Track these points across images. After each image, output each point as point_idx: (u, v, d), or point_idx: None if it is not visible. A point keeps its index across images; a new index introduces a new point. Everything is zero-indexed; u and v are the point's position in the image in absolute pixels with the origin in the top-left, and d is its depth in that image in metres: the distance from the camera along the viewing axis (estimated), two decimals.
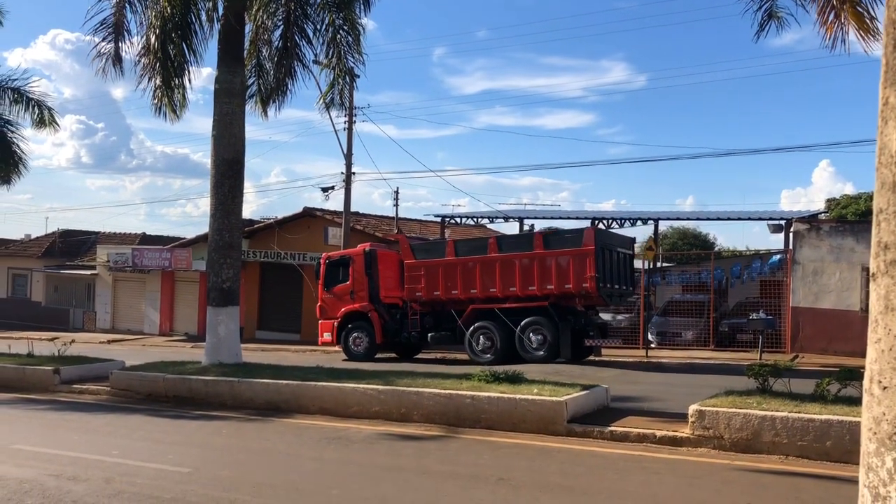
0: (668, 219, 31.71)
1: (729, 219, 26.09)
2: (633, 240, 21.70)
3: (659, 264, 26.34)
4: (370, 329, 20.78)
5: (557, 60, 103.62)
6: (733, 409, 8.24)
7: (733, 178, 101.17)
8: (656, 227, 26.08)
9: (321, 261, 22.32)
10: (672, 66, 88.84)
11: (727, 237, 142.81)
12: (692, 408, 8.47)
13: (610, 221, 25.43)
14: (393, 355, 21.43)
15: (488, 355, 18.69)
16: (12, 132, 20.42)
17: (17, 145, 20.57)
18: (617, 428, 9.00)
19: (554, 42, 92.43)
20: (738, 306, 23.19)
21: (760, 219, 24.70)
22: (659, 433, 8.67)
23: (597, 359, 19.38)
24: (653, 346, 21.82)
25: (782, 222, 22.54)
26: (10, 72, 20.69)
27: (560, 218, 28.43)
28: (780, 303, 21.30)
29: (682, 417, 8.81)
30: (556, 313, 18.37)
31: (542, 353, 18.26)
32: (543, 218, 30.39)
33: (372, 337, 20.75)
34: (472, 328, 19.13)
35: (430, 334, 20.30)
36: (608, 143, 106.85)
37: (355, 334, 20.97)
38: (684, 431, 8.51)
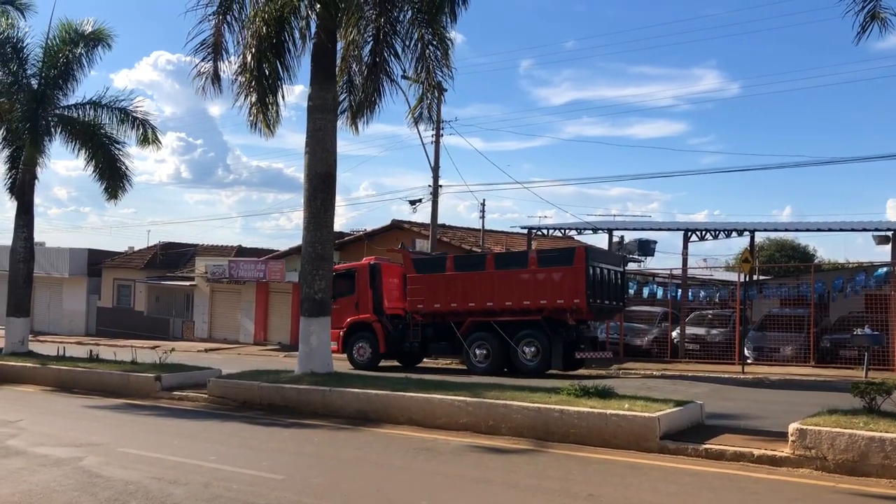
0: (765, 230, 30.62)
1: (830, 230, 24.99)
2: (624, 258, 22.36)
3: (755, 277, 25.45)
4: (374, 339, 21.56)
5: (647, 69, 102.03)
6: (838, 429, 7.87)
7: (834, 187, 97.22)
8: (752, 238, 25.23)
9: None
10: (766, 73, 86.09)
11: (828, 249, 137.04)
12: (793, 426, 8.13)
13: (703, 233, 24.75)
14: (396, 364, 21.82)
15: (484, 365, 19.45)
16: (119, 150, 21.53)
17: (123, 162, 21.68)
18: (712, 445, 8.71)
19: (643, 51, 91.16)
20: (841, 321, 22.12)
21: (864, 229, 23.60)
22: (757, 452, 8.35)
23: (689, 374, 18.91)
24: (749, 361, 21.10)
25: (889, 233, 21.51)
26: (117, 93, 21.80)
27: (650, 229, 27.87)
28: (887, 318, 20.22)
29: (781, 436, 8.47)
30: (549, 327, 19.00)
31: (534, 364, 18.90)
32: (633, 229, 29.84)
33: (375, 347, 21.50)
34: (469, 339, 19.88)
35: (430, 344, 21.14)
36: (700, 152, 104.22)
37: (360, 344, 21.78)
38: (784, 451, 8.17)
